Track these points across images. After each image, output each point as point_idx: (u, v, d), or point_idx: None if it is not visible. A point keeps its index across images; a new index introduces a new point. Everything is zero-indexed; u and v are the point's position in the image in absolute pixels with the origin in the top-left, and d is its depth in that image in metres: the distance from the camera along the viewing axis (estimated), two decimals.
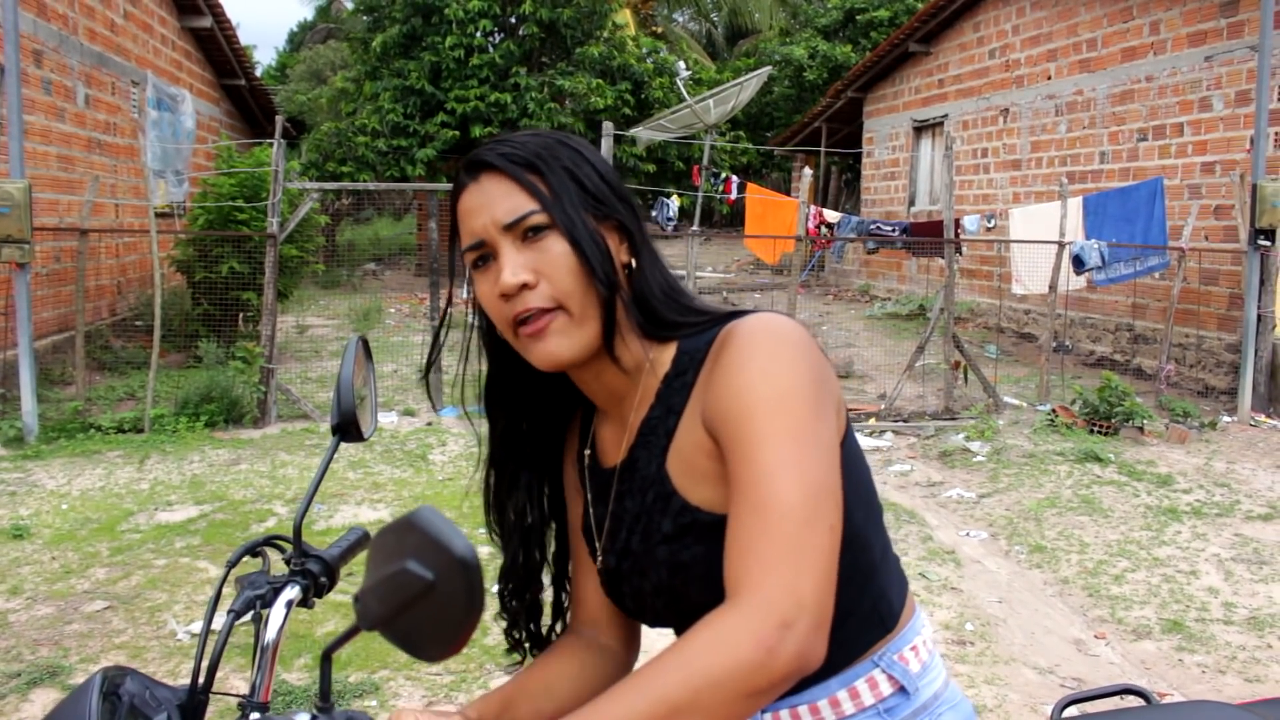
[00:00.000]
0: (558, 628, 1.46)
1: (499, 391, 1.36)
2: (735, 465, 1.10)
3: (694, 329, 1.24)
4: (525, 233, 1.18)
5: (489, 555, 4.99)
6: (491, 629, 4.33)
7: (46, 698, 3.73)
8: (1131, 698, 1.76)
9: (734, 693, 0.96)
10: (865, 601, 1.24)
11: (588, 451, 1.37)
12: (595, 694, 1.08)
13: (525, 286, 1.18)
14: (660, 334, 1.25)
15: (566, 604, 1.45)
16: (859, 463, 1.26)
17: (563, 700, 1.30)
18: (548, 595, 1.46)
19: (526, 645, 1.44)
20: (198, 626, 4.34)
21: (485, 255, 1.21)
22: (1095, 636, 4.50)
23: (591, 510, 1.35)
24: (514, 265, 1.18)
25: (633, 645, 1.42)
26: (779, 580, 1.01)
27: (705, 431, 1.17)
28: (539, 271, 1.18)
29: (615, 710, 0.95)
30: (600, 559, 1.33)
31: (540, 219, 1.18)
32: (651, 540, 1.23)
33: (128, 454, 7.15)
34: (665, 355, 1.26)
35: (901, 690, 1.24)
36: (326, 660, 1.21)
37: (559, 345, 1.19)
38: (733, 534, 1.06)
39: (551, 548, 1.45)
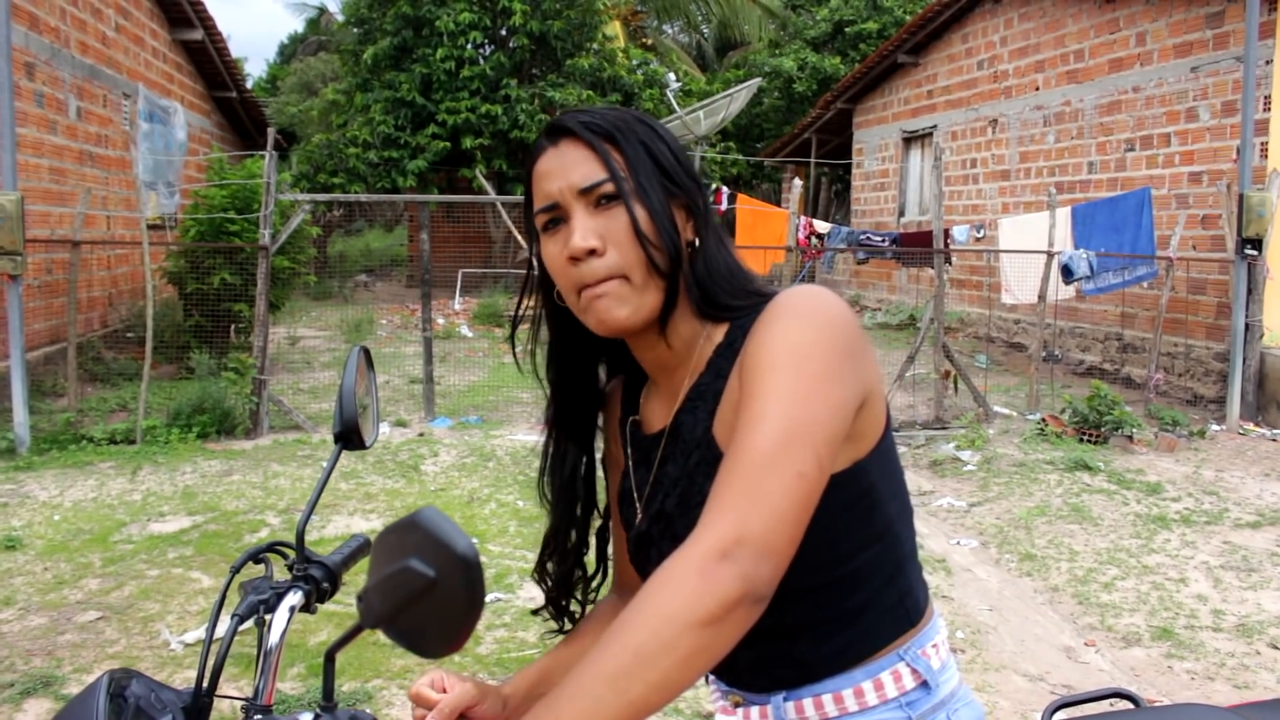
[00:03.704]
0: (588, 605, 1.48)
1: (559, 360, 1.39)
2: (738, 414, 1.13)
3: (747, 312, 1.26)
4: (598, 200, 1.21)
5: (496, 553, 4.91)
6: (484, 638, 4.34)
7: (40, 708, 3.73)
8: (1121, 701, 1.79)
9: (687, 624, 0.96)
10: (891, 594, 1.27)
11: (633, 418, 1.39)
12: None
13: (593, 253, 1.20)
14: (715, 315, 1.28)
15: (596, 580, 1.48)
16: (896, 462, 1.30)
17: None
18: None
19: (564, 617, 1.46)
20: (190, 636, 4.34)
21: (556, 218, 1.24)
22: (1085, 644, 4.53)
23: (633, 475, 1.37)
24: (585, 229, 1.20)
25: None
26: (728, 516, 1.03)
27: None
28: (606, 238, 1.21)
29: (591, 672, 0.96)
30: (636, 521, 1.34)
31: (613, 188, 1.21)
32: (690, 502, 1.23)
33: (120, 465, 7.14)
34: (719, 331, 1.28)
35: (924, 685, 1.26)
36: (330, 660, 1.23)
37: (618, 310, 1.22)
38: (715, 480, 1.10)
39: (596, 522, 1.47)
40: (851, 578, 1.23)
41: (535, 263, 1.32)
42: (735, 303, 1.27)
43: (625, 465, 1.39)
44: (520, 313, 1.40)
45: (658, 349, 1.29)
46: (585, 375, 1.42)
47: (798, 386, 1.10)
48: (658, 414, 1.35)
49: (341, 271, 20.45)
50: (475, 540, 5.65)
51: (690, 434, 1.26)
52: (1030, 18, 13.25)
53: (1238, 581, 5.25)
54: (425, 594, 0.92)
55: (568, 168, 1.22)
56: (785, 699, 1.27)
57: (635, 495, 1.35)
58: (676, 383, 1.31)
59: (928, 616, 1.32)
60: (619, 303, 1.21)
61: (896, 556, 1.28)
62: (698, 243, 1.27)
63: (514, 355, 1.39)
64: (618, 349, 1.39)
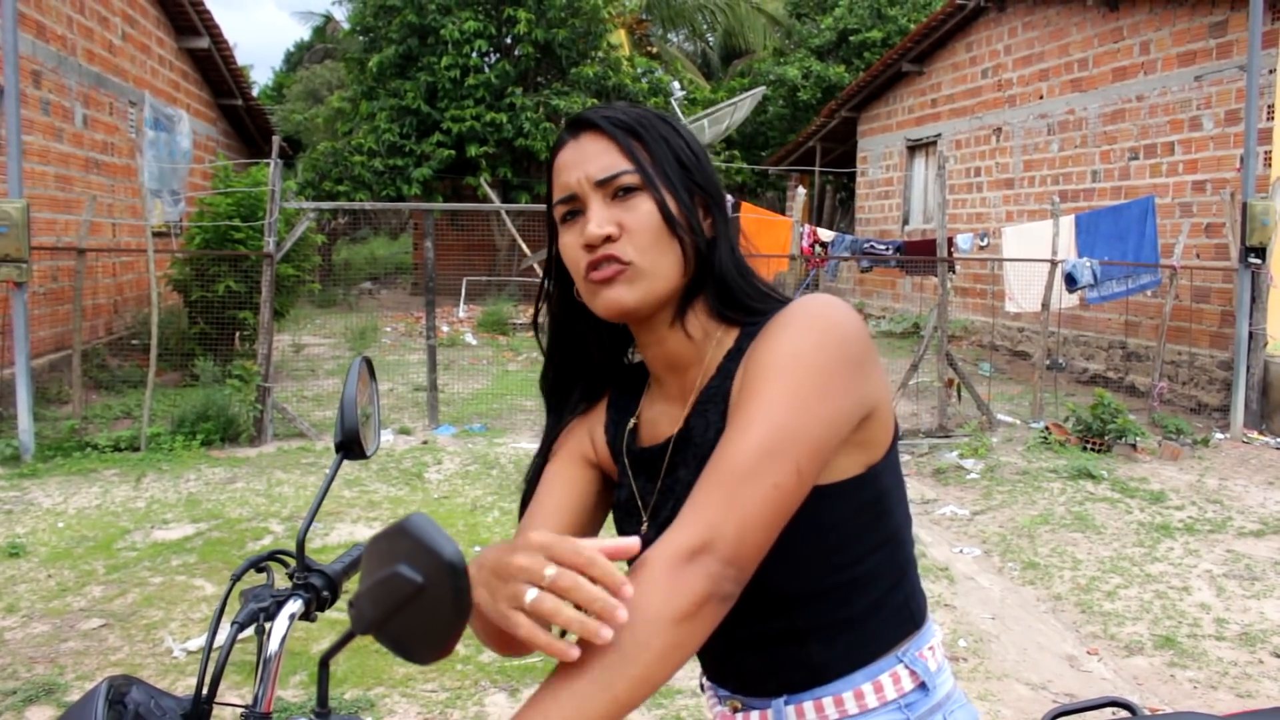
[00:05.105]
0: None
1: (561, 350, 1.41)
2: (730, 416, 1.15)
3: (760, 316, 1.27)
4: (616, 191, 1.23)
5: None
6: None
7: (42, 715, 3.74)
8: (1119, 710, 1.79)
9: (662, 620, 1.00)
10: (898, 596, 1.29)
11: (631, 428, 1.39)
12: None
13: (609, 239, 1.22)
14: (729, 314, 1.29)
15: None
16: (900, 469, 1.32)
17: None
18: None
19: None
20: (194, 644, 4.35)
21: (574, 210, 1.26)
22: (1088, 652, 4.52)
23: (634, 485, 1.36)
24: (600, 218, 1.22)
25: None
26: (701, 520, 1.06)
27: None
28: (623, 227, 1.22)
29: (576, 672, 0.98)
30: (642, 531, 1.33)
31: (632, 179, 1.23)
32: None
33: (124, 472, 7.16)
34: (730, 335, 1.29)
35: (922, 686, 1.28)
36: (324, 667, 1.23)
37: (623, 293, 1.23)
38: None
39: None
40: (862, 580, 1.25)
41: (553, 259, 1.33)
42: (753, 304, 1.28)
43: (621, 479, 1.38)
44: (538, 315, 1.42)
45: (670, 342, 1.30)
46: (582, 374, 1.43)
47: (791, 396, 1.12)
48: (663, 420, 1.35)
49: (346, 279, 20.51)
50: (477, 548, 5.65)
51: (702, 438, 1.26)
52: (1034, 26, 13.26)
53: (1241, 590, 5.24)
54: (414, 600, 0.93)
55: (587, 159, 1.25)
56: (786, 702, 1.28)
57: (640, 505, 1.34)
58: (688, 384, 1.32)
59: (924, 620, 1.33)
60: (627, 287, 1.22)
61: (901, 560, 1.30)
62: (713, 238, 1.29)
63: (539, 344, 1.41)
64: (618, 354, 1.39)
